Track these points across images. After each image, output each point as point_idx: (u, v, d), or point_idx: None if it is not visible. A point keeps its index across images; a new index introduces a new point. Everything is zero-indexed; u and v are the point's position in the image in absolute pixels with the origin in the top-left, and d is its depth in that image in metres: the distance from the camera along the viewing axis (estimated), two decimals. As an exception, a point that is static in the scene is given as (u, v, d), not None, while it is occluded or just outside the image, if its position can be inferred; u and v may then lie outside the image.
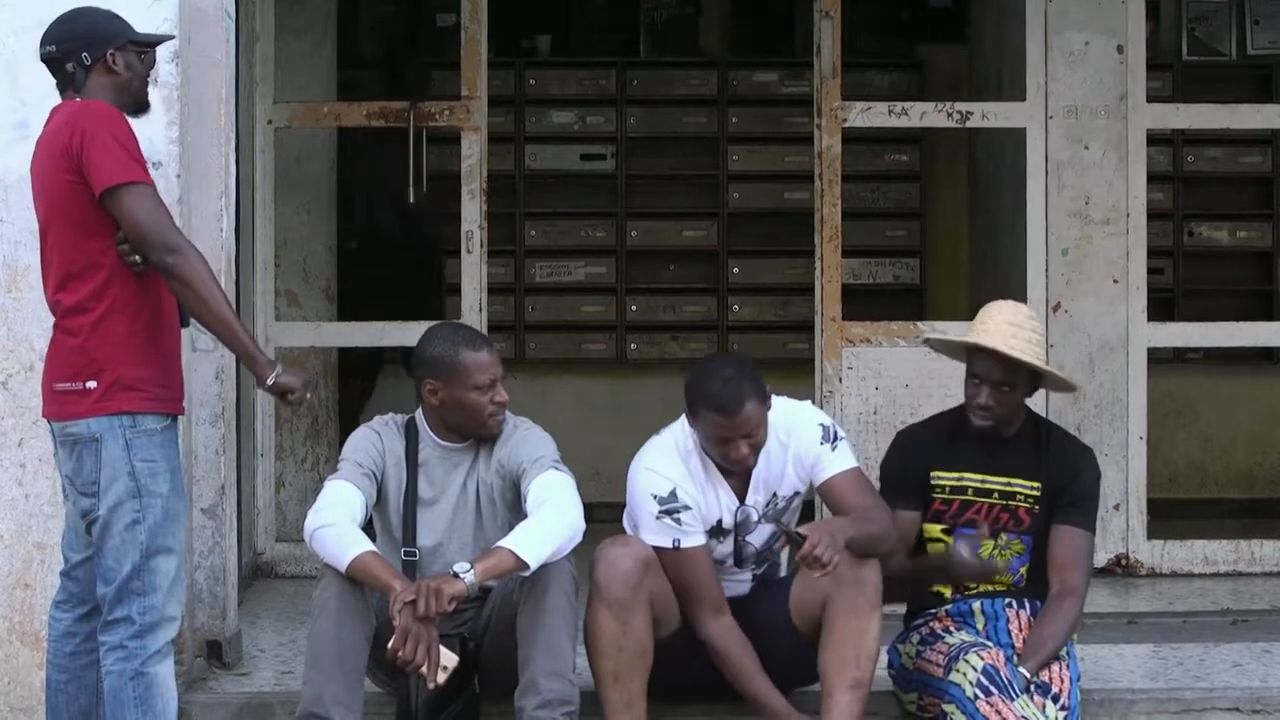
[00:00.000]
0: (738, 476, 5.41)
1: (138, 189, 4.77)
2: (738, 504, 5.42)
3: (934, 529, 5.54)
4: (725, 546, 5.44)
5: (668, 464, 5.38)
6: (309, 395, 5.11)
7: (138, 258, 4.82)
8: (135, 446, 4.82)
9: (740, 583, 5.47)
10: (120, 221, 4.79)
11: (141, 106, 5.05)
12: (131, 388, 4.82)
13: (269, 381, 4.93)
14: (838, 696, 5.20)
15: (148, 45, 5.05)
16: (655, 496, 5.33)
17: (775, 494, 5.43)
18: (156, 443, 4.86)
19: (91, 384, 4.81)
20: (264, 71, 7.83)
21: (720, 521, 5.41)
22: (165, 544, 4.86)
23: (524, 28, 10.24)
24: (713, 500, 5.40)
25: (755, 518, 5.42)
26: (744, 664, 5.30)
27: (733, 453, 5.27)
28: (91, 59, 4.92)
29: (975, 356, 5.48)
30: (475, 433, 5.40)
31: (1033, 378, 5.50)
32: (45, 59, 4.99)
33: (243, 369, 7.17)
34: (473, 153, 7.79)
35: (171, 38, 5.32)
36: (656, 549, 5.31)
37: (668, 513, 5.33)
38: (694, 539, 5.34)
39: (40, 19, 5.43)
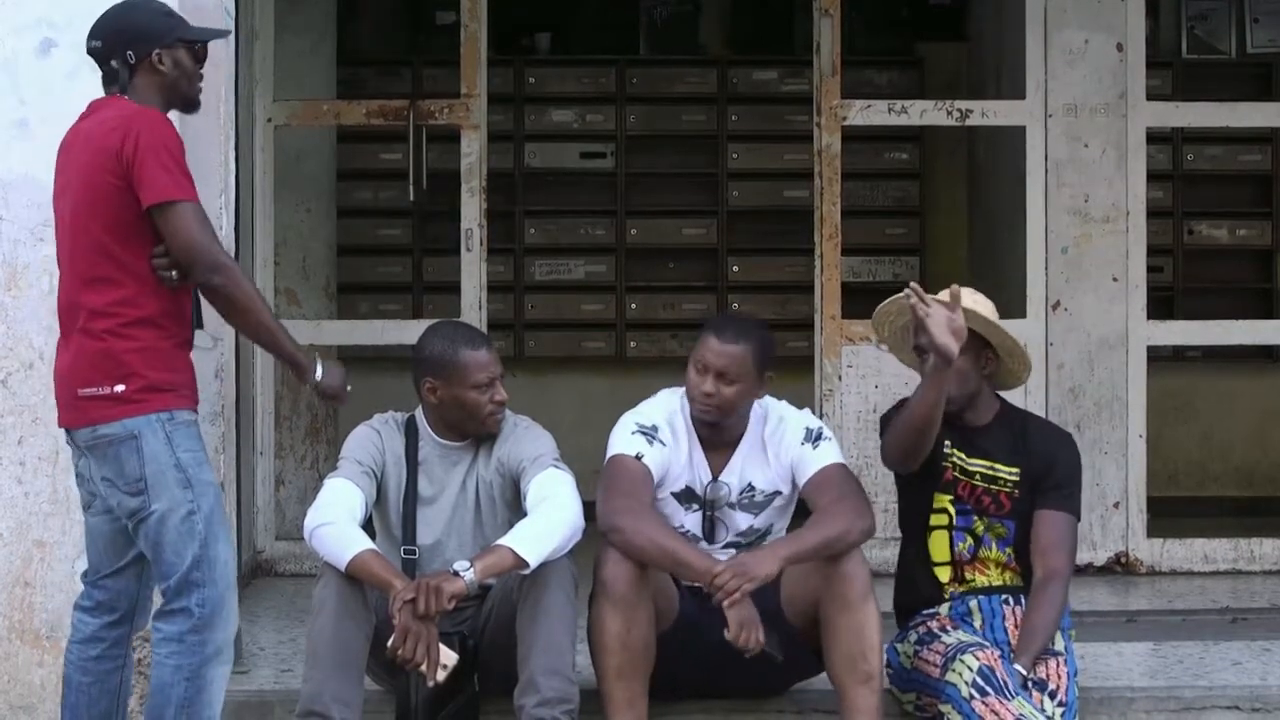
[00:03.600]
0: (717, 451, 5.43)
1: (187, 207, 4.71)
2: (710, 478, 5.43)
3: (944, 499, 5.52)
4: (694, 518, 5.45)
5: (655, 411, 5.44)
6: (348, 388, 5.12)
7: (174, 273, 4.77)
8: (176, 438, 4.76)
9: None
10: (168, 238, 4.72)
11: (191, 104, 4.96)
12: (162, 389, 4.77)
13: (309, 385, 4.98)
14: (852, 694, 5.19)
15: (200, 42, 4.94)
16: (637, 423, 5.39)
17: (752, 485, 5.45)
18: (194, 434, 4.82)
19: (120, 387, 4.73)
20: (263, 69, 7.83)
21: (690, 488, 5.43)
22: (220, 534, 4.81)
23: (523, 26, 10.24)
24: (685, 461, 5.42)
25: (727, 495, 5.43)
26: (669, 543, 5.19)
27: (702, 383, 5.33)
28: (136, 57, 4.82)
29: (921, 329, 5.50)
30: (474, 431, 5.40)
31: (977, 349, 5.46)
32: (90, 53, 4.89)
33: (242, 368, 7.22)
34: (472, 151, 7.79)
35: (227, 32, 5.21)
36: (613, 459, 5.32)
37: (643, 433, 5.36)
38: (655, 463, 5.34)
39: (40, 17, 5.44)
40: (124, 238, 4.73)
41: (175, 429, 4.77)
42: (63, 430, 4.92)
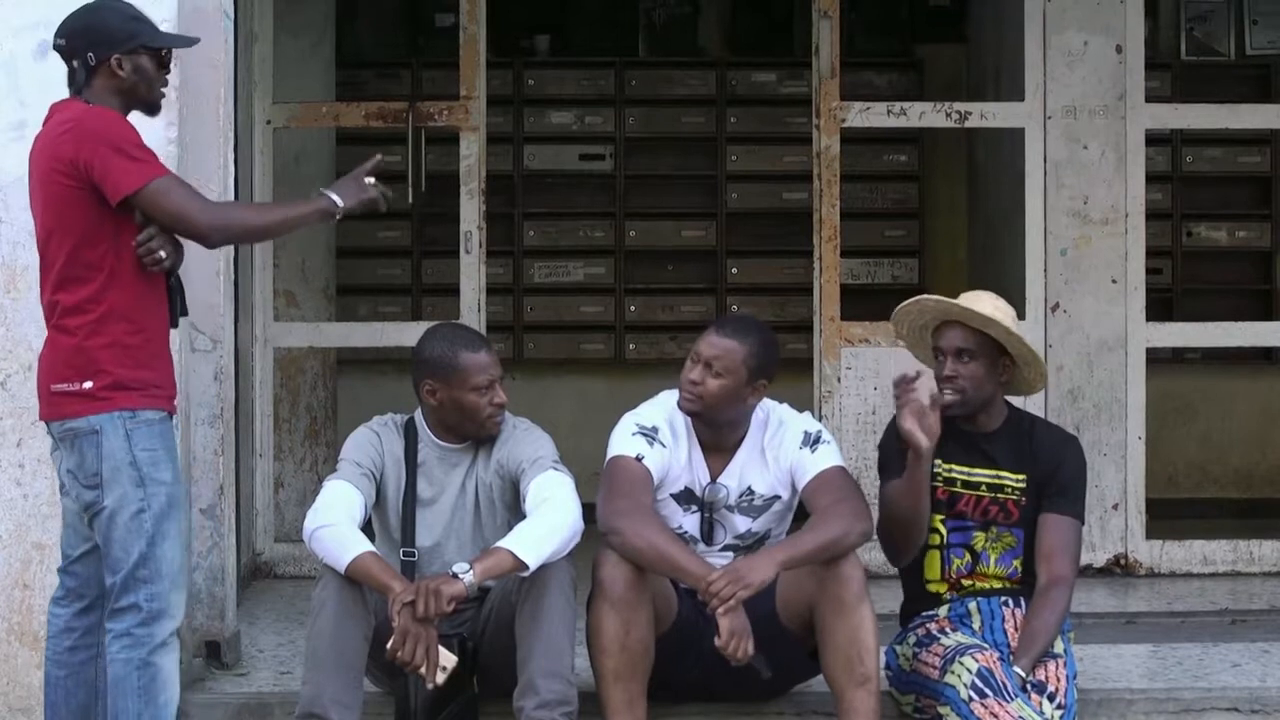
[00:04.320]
0: (717, 454, 5.43)
1: (159, 184, 4.76)
2: (709, 479, 5.43)
3: (934, 518, 5.51)
4: (693, 519, 5.44)
5: (655, 412, 5.45)
6: (375, 188, 5.10)
7: (161, 254, 4.80)
8: (135, 437, 4.81)
9: None
10: (157, 220, 4.78)
11: (152, 109, 4.97)
12: (129, 388, 4.82)
13: (339, 216, 5.04)
14: (849, 697, 5.19)
15: (163, 49, 4.94)
16: (638, 424, 5.40)
17: (751, 488, 5.44)
18: (156, 433, 4.86)
19: (88, 384, 4.80)
20: (262, 71, 7.83)
21: (689, 490, 5.43)
22: (169, 531, 4.85)
23: (522, 28, 10.24)
24: (685, 462, 5.42)
25: (724, 497, 5.43)
26: (668, 548, 5.19)
27: (690, 371, 5.35)
28: (96, 59, 4.84)
29: (939, 331, 5.49)
30: (473, 433, 5.40)
31: (995, 357, 5.46)
32: (55, 49, 4.91)
33: (241, 371, 7.22)
34: (471, 153, 7.79)
35: (196, 40, 5.22)
36: (614, 460, 5.32)
37: (643, 434, 5.37)
38: (655, 465, 5.34)
39: (40, 19, 5.43)
40: (91, 238, 4.78)
41: (136, 427, 4.82)
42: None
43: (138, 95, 4.91)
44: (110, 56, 4.85)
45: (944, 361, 5.46)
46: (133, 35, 4.88)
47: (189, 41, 5.14)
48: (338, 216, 5.08)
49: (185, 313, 5.06)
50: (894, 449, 5.47)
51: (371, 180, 5.10)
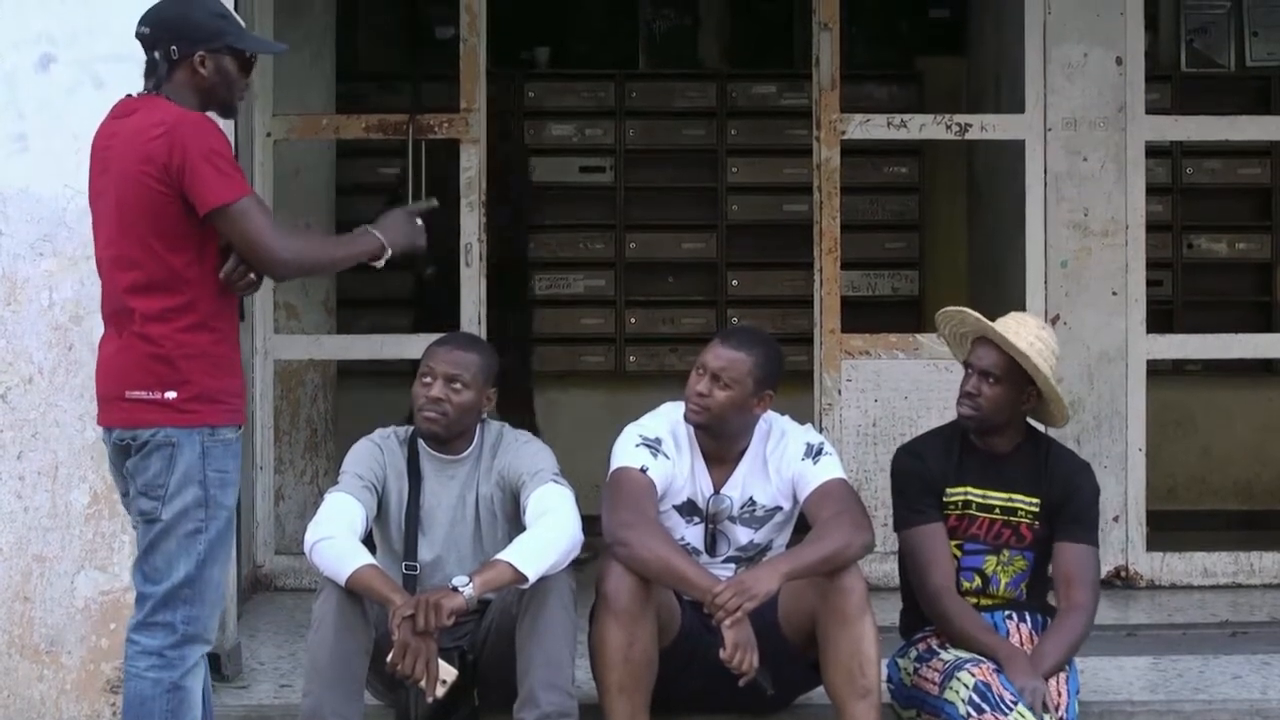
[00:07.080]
0: (719, 465, 5.44)
1: (242, 205, 4.62)
2: (712, 491, 5.43)
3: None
4: (695, 531, 5.45)
5: (658, 424, 5.46)
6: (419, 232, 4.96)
7: (253, 275, 4.71)
8: (211, 456, 4.68)
9: None
10: (231, 240, 4.66)
11: (228, 110, 4.83)
12: (214, 400, 4.69)
13: (382, 262, 4.88)
14: (851, 709, 5.19)
15: (248, 52, 4.81)
16: (641, 435, 5.40)
17: (753, 499, 5.44)
18: (231, 453, 4.73)
19: (171, 394, 4.64)
20: (262, 83, 7.82)
21: (692, 501, 5.43)
22: (219, 555, 4.74)
23: (523, 40, 10.25)
24: (688, 473, 5.42)
25: (728, 508, 5.43)
26: (675, 560, 5.20)
27: (697, 383, 5.36)
28: (179, 54, 4.69)
29: (975, 345, 5.49)
30: (419, 429, 5.39)
31: (1021, 385, 5.45)
32: (137, 37, 4.75)
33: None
34: (471, 165, 7.78)
35: (283, 48, 5.12)
36: (618, 472, 5.33)
37: (647, 445, 5.37)
38: (659, 476, 5.34)
39: (40, 31, 5.45)
40: (178, 245, 4.64)
41: (213, 446, 4.69)
42: (99, 429, 4.83)
43: (216, 96, 4.77)
44: (194, 53, 4.71)
45: (970, 376, 5.45)
46: (219, 34, 4.74)
47: (276, 48, 5.05)
48: (381, 262, 4.90)
49: (243, 317, 4.98)
50: (911, 488, 5.49)
51: (420, 223, 4.96)
